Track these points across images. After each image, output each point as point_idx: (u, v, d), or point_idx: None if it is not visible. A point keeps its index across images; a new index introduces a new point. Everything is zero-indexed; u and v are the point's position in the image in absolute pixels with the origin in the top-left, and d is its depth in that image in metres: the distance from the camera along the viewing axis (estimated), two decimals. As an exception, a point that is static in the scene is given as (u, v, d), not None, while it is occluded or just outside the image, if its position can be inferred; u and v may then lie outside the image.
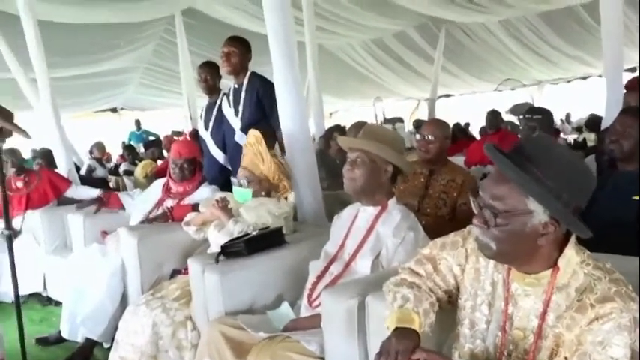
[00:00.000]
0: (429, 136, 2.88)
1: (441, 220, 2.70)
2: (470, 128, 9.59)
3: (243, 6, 7.49)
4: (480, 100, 11.78)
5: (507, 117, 6.60)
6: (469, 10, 7.53)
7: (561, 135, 8.10)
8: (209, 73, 3.84)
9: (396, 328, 1.29)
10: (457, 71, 10.51)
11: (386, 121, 5.91)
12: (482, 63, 10.04)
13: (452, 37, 9.14)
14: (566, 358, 1.13)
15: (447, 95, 12.38)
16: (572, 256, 1.18)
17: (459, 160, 5.08)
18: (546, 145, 1.17)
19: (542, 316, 1.18)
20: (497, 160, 1.17)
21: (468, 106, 11.96)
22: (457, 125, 7.72)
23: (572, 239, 1.19)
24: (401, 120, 5.68)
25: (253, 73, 3.56)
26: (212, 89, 3.87)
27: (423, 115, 10.55)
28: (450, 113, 12.28)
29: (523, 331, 1.22)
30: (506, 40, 8.93)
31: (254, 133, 2.92)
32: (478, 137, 7.32)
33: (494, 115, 5.25)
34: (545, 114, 3.40)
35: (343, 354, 1.63)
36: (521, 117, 3.53)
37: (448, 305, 1.41)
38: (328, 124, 7.75)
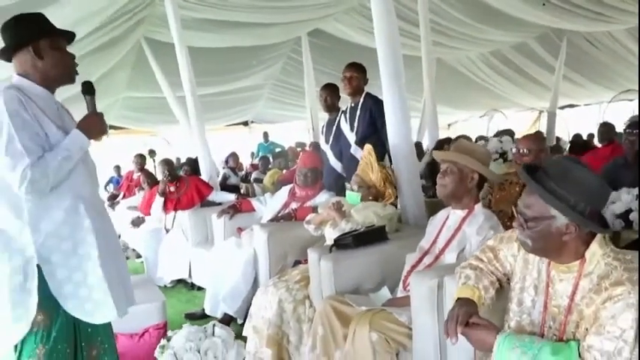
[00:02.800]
0: (524, 150, 3.14)
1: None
2: (594, 139, 9.24)
3: (363, 25, 7.94)
4: (607, 111, 11.20)
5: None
6: (594, 21, 7.36)
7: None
8: (329, 94, 4.33)
9: (459, 299, 1.68)
10: (581, 80, 10.13)
11: (496, 133, 6.03)
12: (607, 71, 9.62)
13: (574, 46, 8.89)
14: (586, 329, 1.43)
15: (571, 105, 11.94)
16: (596, 249, 1.48)
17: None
18: (566, 166, 1.50)
19: (572, 296, 1.49)
20: (525, 179, 1.52)
21: (594, 116, 11.40)
22: (577, 137, 7.54)
23: (598, 236, 1.49)
24: (510, 133, 5.78)
25: (368, 94, 4.00)
26: (331, 108, 4.35)
27: (544, 127, 10.31)
28: (575, 124, 11.84)
29: (558, 308, 1.53)
30: (635, 47, 8.53)
31: (368, 146, 3.36)
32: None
33: (606, 128, 5.22)
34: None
35: (426, 324, 2.02)
36: (623, 130, 3.60)
37: (507, 284, 1.76)
38: (446, 135, 7.96)
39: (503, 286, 1.77)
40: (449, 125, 15.09)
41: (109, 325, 2.07)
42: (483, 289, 1.72)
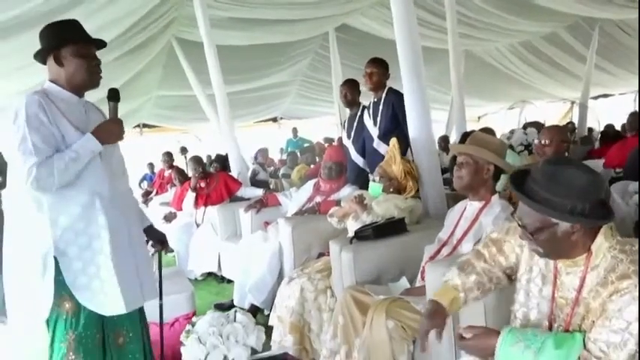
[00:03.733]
0: (546, 141, 3.15)
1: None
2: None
3: (389, 18, 7.89)
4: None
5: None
6: (625, 8, 7.21)
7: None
8: (348, 90, 4.38)
9: (431, 300, 1.73)
10: (614, 69, 9.92)
11: (523, 126, 5.98)
12: (642, 59, 9.40)
13: (607, 35, 8.72)
14: (593, 321, 1.45)
15: (605, 95, 11.68)
16: (602, 242, 1.48)
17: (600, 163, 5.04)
18: (552, 169, 1.48)
19: (579, 289, 1.50)
20: (518, 195, 1.50)
21: (629, 106, 11.10)
22: (608, 127, 7.39)
23: (603, 228, 1.49)
24: (538, 125, 5.72)
25: (390, 89, 4.04)
26: (352, 103, 4.41)
27: (576, 118, 10.13)
28: (609, 114, 11.57)
29: (565, 299, 1.55)
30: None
31: (393, 140, 3.41)
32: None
33: (634, 117, 5.12)
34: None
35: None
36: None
37: (507, 282, 1.78)
38: (476, 127, 7.91)
39: (501, 284, 1.79)
40: (479, 118, 14.95)
41: (135, 315, 2.18)
42: (466, 290, 1.74)
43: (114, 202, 2.12)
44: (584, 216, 1.43)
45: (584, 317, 1.49)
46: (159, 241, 2.49)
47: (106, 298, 2.05)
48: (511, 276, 1.79)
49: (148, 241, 2.45)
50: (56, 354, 2.05)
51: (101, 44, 2.19)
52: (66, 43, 2.08)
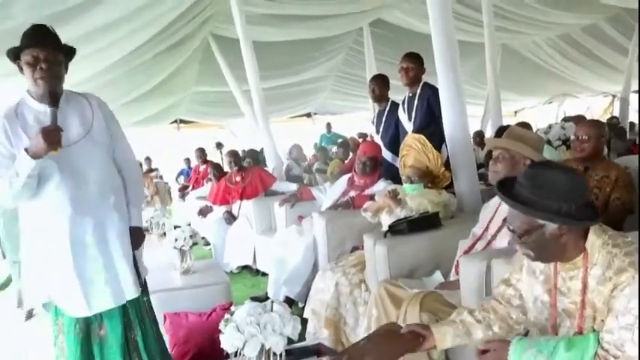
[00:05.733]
0: (584, 136, 3.08)
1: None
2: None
3: (424, 12, 7.84)
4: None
5: None
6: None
7: None
8: (377, 85, 4.38)
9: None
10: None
11: (563, 120, 5.87)
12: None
13: (649, 26, 8.48)
14: (602, 320, 1.45)
15: (648, 89, 11.30)
16: (594, 240, 1.48)
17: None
18: (534, 172, 1.51)
19: (583, 291, 1.50)
20: (502, 198, 1.54)
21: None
22: (650, 122, 7.18)
23: (592, 227, 1.49)
24: (576, 118, 5.60)
25: (425, 83, 4.02)
26: (380, 98, 4.41)
27: (617, 112, 9.86)
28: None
29: (575, 304, 1.54)
30: None
31: (416, 138, 3.41)
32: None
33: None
34: None
35: (474, 305, 2.07)
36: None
37: (516, 325, 1.75)
38: (513, 122, 7.79)
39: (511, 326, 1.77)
40: (515, 112, 14.70)
41: (115, 312, 2.26)
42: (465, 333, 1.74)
43: (79, 209, 2.15)
44: (570, 217, 1.45)
45: (594, 318, 1.49)
46: (136, 241, 2.40)
47: (71, 301, 2.19)
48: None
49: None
50: (54, 335, 2.28)
51: (49, 41, 2.11)
52: (18, 55, 2.09)
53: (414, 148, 3.40)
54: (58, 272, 2.18)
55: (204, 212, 6.06)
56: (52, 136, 1.98)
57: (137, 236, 2.39)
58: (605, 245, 1.47)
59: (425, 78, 4.07)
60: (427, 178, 3.30)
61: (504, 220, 2.39)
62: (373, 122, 4.56)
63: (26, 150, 1.99)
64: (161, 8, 5.19)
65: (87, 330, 2.24)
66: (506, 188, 1.55)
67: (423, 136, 3.39)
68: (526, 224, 1.49)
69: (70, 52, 2.18)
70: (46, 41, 2.08)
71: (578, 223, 1.48)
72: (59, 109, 2.10)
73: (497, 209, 2.50)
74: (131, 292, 2.27)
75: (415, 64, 4.00)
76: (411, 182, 3.39)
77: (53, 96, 2.08)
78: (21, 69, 2.11)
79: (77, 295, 2.16)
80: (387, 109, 4.32)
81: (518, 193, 1.51)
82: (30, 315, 4.32)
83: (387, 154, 4.27)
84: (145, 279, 2.45)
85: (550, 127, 4.97)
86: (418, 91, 4.02)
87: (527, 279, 1.69)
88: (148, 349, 2.35)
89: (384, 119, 4.32)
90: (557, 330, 1.59)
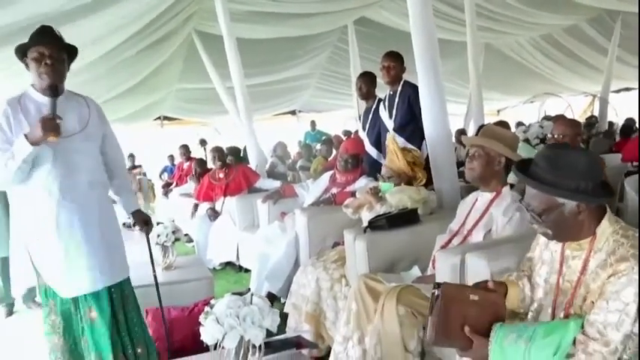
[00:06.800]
0: (560, 135, 3.17)
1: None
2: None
3: (408, 10, 7.90)
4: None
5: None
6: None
7: None
8: (364, 83, 4.41)
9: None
10: (636, 62, 9.78)
11: (543, 118, 5.97)
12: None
13: (629, 27, 8.60)
14: (592, 302, 1.51)
15: (627, 89, 11.52)
16: (606, 226, 1.54)
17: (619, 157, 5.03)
18: (554, 153, 1.56)
19: (582, 271, 1.56)
20: (522, 179, 1.58)
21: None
22: (628, 121, 7.33)
23: (607, 213, 1.55)
24: (555, 118, 5.71)
25: (406, 82, 4.07)
26: (367, 96, 4.44)
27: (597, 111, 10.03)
28: (632, 107, 11.41)
29: (570, 282, 1.61)
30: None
31: (389, 136, 3.47)
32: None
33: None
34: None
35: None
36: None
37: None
38: (496, 120, 7.88)
39: None
40: (498, 111, 14.86)
41: (104, 294, 2.41)
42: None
43: (67, 196, 2.31)
44: (589, 194, 1.51)
45: (584, 298, 1.54)
46: (143, 221, 2.69)
47: (58, 283, 2.36)
48: None
49: (135, 224, 2.72)
50: (44, 315, 2.45)
51: (54, 41, 2.30)
52: (25, 51, 2.28)
53: (389, 148, 3.45)
54: (45, 251, 2.34)
55: (212, 216, 5.69)
56: (50, 124, 2.14)
57: (146, 216, 2.72)
58: (615, 234, 1.53)
59: (406, 76, 4.12)
60: (401, 177, 3.35)
61: (481, 215, 2.47)
62: (360, 119, 4.60)
63: (26, 136, 2.15)
64: (145, 4, 5.18)
65: (78, 311, 2.39)
66: (525, 170, 1.60)
67: (396, 136, 3.44)
68: (545, 203, 1.54)
69: (72, 52, 2.37)
70: (51, 40, 2.29)
71: (597, 200, 1.53)
72: (60, 105, 2.26)
73: (473, 205, 2.56)
74: (113, 277, 2.43)
75: (396, 62, 4.05)
76: (384, 180, 3.44)
77: (54, 88, 2.26)
78: (26, 65, 2.30)
79: (61, 275, 2.34)
80: (374, 106, 4.36)
81: (536, 174, 1.56)
82: (10, 312, 4.30)
83: (372, 151, 4.32)
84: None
85: (529, 125, 5.06)
86: (399, 89, 4.08)
87: (539, 257, 1.75)
88: (132, 332, 2.50)
89: (370, 116, 4.36)
90: (556, 309, 1.64)
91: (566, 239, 1.62)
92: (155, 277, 2.80)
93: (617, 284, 1.44)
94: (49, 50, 2.25)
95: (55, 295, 2.39)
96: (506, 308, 1.67)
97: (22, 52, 2.29)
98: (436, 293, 1.59)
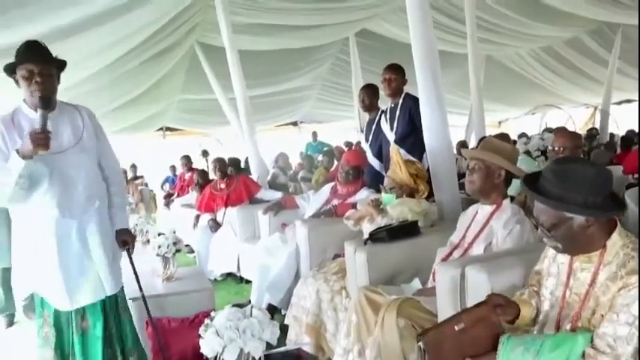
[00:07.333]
0: (560, 147, 3.18)
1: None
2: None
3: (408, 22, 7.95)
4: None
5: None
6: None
7: None
8: (366, 95, 4.46)
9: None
10: (637, 74, 9.82)
11: (544, 130, 5.98)
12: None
13: (630, 40, 8.65)
14: (602, 315, 1.50)
15: (629, 101, 11.55)
16: (617, 240, 1.54)
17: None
18: (562, 167, 1.56)
19: (591, 284, 1.55)
20: (530, 194, 1.58)
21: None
22: (629, 133, 7.33)
23: (618, 227, 1.55)
24: (556, 130, 5.73)
25: (407, 94, 4.09)
26: (370, 108, 4.49)
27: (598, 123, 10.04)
28: (633, 119, 11.43)
29: (578, 295, 1.60)
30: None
31: (393, 147, 3.48)
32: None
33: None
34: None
35: (449, 311, 2.13)
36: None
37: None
38: (496, 132, 7.89)
39: None
40: (499, 123, 14.88)
41: (98, 306, 2.46)
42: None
43: (66, 213, 2.35)
44: (597, 208, 1.50)
45: (594, 311, 1.54)
46: (122, 242, 2.63)
47: (55, 295, 2.39)
48: None
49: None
50: (38, 326, 2.48)
51: (42, 57, 2.29)
52: (14, 69, 2.28)
53: (393, 160, 3.46)
54: (44, 268, 2.37)
55: (214, 227, 5.59)
56: (39, 138, 2.14)
57: (126, 236, 2.64)
58: (625, 247, 1.53)
59: (408, 88, 4.14)
60: (403, 189, 3.35)
61: (481, 228, 2.47)
62: (362, 131, 4.62)
63: (17, 151, 2.18)
64: (147, 16, 5.22)
65: (70, 322, 2.42)
66: (533, 184, 1.59)
67: (398, 148, 3.44)
68: (554, 218, 1.54)
69: (61, 65, 2.37)
70: (39, 56, 2.28)
71: (606, 214, 1.53)
72: (53, 120, 2.29)
73: (474, 217, 2.56)
74: (111, 289, 2.47)
75: (397, 75, 4.08)
76: (386, 192, 3.44)
77: (46, 99, 2.25)
78: (16, 82, 2.30)
79: (61, 290, 2.37)
80: (377, 118, 4.37)
81: (544, 188, 1.56)
82: (11, 322, 4.29)
83: (375, 163, 4.34)
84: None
85: (530, 138, 5.07)
86: (400, 101, 4.10)
87: (547, 270, 1.75)
88: (124, 342, 2.53)
89: (373, 128, 4.38)
90: (561, 322, 1.63)
91: (576, 252, 1.62)
92: (141, 290, 2.74)
93: (627, 297, 1.44)
94: (38, 67, 2.25)
95: (51, 306, 2.42)
96: (497, 315, 1.66)
97: (10, 70, 2.29)
98: (422, 347, 1.59)
